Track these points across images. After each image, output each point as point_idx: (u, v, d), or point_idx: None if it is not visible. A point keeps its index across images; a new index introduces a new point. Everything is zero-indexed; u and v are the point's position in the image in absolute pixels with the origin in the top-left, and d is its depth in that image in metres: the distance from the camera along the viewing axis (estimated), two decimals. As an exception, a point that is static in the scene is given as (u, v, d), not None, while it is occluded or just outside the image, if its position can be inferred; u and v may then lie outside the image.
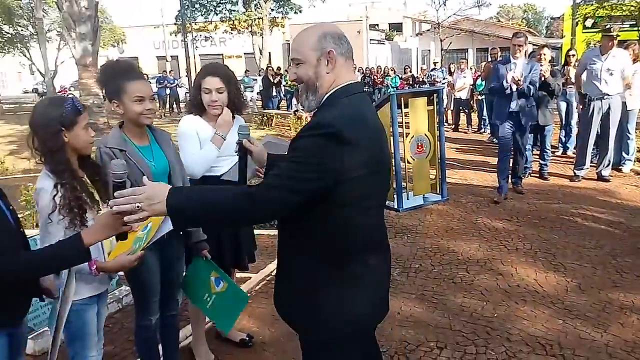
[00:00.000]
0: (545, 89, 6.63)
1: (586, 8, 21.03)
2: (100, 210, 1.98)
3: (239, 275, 4.01)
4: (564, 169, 7.36)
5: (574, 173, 6.75)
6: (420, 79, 15.35)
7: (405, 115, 5.74)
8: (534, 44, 34.67)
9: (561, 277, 3.89)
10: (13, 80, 46.60)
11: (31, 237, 2.03)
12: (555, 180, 6.81)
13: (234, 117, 2.81)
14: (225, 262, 2.83)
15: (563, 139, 8.67)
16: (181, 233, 2.47)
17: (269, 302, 3.65)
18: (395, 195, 5.71)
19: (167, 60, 36.35)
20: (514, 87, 5.55)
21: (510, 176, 6.11)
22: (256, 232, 5.03)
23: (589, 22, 21.74)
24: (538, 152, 7.17)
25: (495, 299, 3.58)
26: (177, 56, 37.57)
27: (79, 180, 1.93)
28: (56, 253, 1.65)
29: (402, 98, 5.79)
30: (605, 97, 6.30)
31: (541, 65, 6.75)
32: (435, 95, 5.89)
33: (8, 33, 29.92)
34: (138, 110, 2.24)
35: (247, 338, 3.14)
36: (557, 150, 8.71)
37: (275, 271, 4.03)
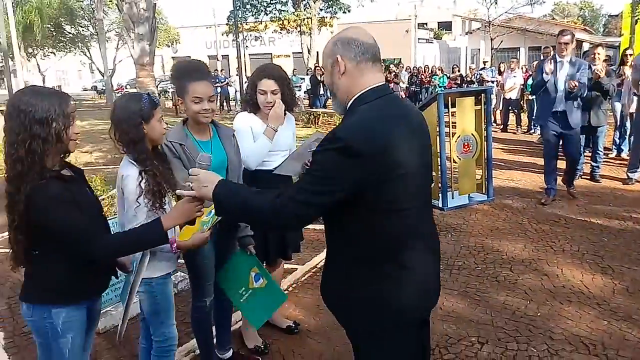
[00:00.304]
0: (599, 89, 6.48)
1: (647, 5, 20.08)
2: (173, 196, 2.18)
3: (286, 266, 4.19)
4: (617, 172, 7.16)
5: (627, 176, 6.57)
6: (469, 79, 15.15)
7: (452, 115, 5.79)
8: (590, 43, 33.46)
9: (608, 279, 3.85)
10: (74, 78, 48.99)
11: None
12: (608, 182, 6.65)
13: (285, 114, 2.97)
14: (271, 252, 3.00)
15: (617, 140, 8.40)
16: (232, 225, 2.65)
17: (314, 293, 3.82)
18: (440, 194, 5.78)
19: (218, 60, 37.21)
20: (564, 87, 5.38)
21: (564, 179, 6.01)
22: (303, 226, 5.22)
23: (649, 20, 20.77)
24: (590, 154, 6.99)
25: (539, 299, 3.59)
26: (227, 55, 38.44)
27: (157, 167, 2.14)
28: (141, 236, 1.87)
29: (450, 97, 5.86)
30: (662, 98, 6.11)
31: (595, 65, 6.62)
32: (483, 95, 5.93)
33: (70, 33, 31.45)
34: (195, 109, 2.42)
35: (293, 325, 3.30)
36: (610, 152, 8.47)
37: (320, 263, 4.21)
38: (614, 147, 8.50)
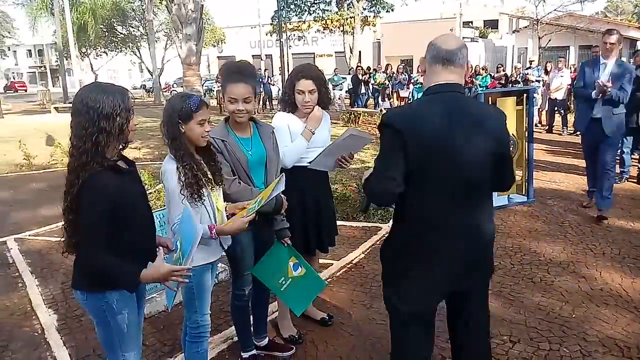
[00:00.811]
0: (648, 91, 6.29)
1: None
2: (214, 188, 2.32)
3: (322, 261, 4.31)
4: (667, 175, 6.92)
5: (677, 180, 6.35)
6: (514, 79, 14.84)
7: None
8: (646, 42, 32.03)
9: (649, 283, 3.78)
10: (124, 77, 50.78)
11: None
12: (656, 186, 6.45)
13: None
14: (310, 244, 3.11)
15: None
16: (270, 218, 2.77)
17: (349, 288, 3.92)
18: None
19: (261, 59, 37.79)
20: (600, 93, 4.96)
21: (597, 196, 5.36)
22: (340, 223, 5.33)
23: None
24: (638, 157, 6.79)
25: (574, 301, 3.57)
26: (271, 55, 38.95)
27: (197, 162, 2.28)
28: (117, 274, 1.94)
29: (490, 97, 5.82)
30: None
31: (642, 66, 6.44)
32: (525, 95, 5.86)
33: (121, 33, 32.65)
34: (230, 109, 2.57)
35: (327, 317, 3.41)
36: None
37: (355, 260, 4.30)
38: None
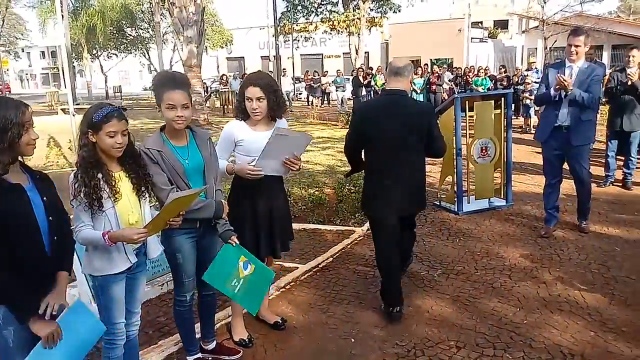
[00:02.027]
0: (633, 93, 6.24)
1: None
2: (117, 200, 2.31)
3: (287, 264, 4.36)
4: (655, 179, 6.85)
5: (662, 184, 6.28)
6: (516, 80, 14.73)
7: (470, 119, 5.76)
8: (658, 41, 31.54)
9: (609, 290, 3.76)
10: (135, 78, 51.30)
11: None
12: (640, 190, 6.39)
13: (274, 121, 3.13)
14: (261, 251, 3.15)
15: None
16: (212, 223, 2.82)
17: (310, 292, 3.96)
18: (455, 199, 5.77)
19: (270, 60, 37.90)
20: (562, 93, 4.54)
21: (578, 212, 5.09)
22: (314, 226, 5.37)
23: None
24: (623, 160, 6.72)
25: (529, 307, 3.57)
26: (280, 56, 39.06)
27: (104, 172, 2.27)
28: None
29: (468, 101, 5.84)
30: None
31: (629, 68, 6.38)
32: (503, 99, 5.86)
33: (130, 35, 33.01)
34: (170, 116, 2.59)
35: (280, 321, 3.45)
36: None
37: (322, 264, 4.34)
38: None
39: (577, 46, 4.58)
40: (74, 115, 10.10)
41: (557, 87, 4.55)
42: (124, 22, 31.40)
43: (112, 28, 30.14)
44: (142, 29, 33.26)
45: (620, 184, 6.58)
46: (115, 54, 34.39)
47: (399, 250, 3.65)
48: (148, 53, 34.35)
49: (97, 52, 33.09)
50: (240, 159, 3.08)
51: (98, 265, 2.34)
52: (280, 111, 3.13)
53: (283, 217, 3.26)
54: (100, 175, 2.25)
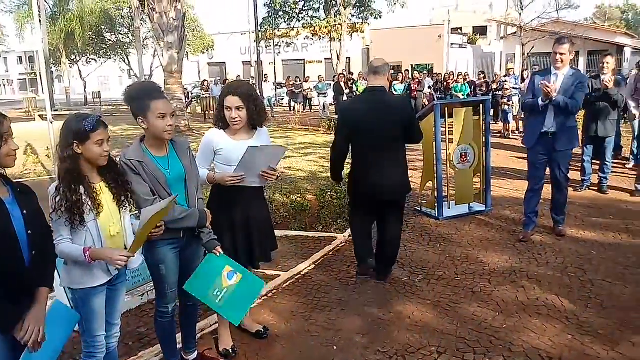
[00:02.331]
0: (607, 100, 6.39)
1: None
2: (99, 213, 2.31)
3: (269, 272, 4.36)
4: (630, 183, 7.00)
5: (636, 188, 6.43)
6: (495, 85, 14.95)
7: (450, 125, 5.84)
8: (633, 48, 32.28)
9: (585, 293, 3.83)
10: (115, 83, 50.74)
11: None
12: (615, 194, 6.52)
13: (255, 130, 3.13)
14: (239, 262, 3.14)
15: (635, 150, 8.18)
16: (196, 233, 2.81)
17: (292, 299, 3.96)
18: (436, 204, 5.83)
19: (251, 66, 37.86)
20: (546, 100, 4.68)
21: (552, 214, 5.18)
22: (296, 233, 5.37)
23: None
24: (599, 165, 6.86)
25: (509, 311, 3.62)
26: (262, 62, 39.03)
27: (86, 185, 2.27)
28: None
29: (447, 108, 5.91)
30: (670, 109, 5.95)
31: (604, 74, 6.52)
32: (481, 105, 5.95)
33: (110, 40, 32.68)
34: (161, 125, 2.56)
35: (262, 330, 3.44)
36: (628, 162, 8.27)
37: (305, 271, 4.34)
38: (632, 157, 8.29)
39: (562, 54, 4.73)
40: (51, 122, 9.94)
41: (544, 98, 4.68)
42: (103, 27, 31.11)
43: (91, 33, 29.82)
44: (121, 34, 32.96)
45: (596, 188, 6.71)
46: (95, 59, 34.02)
47: (383, 249, 4.18)
48: (128, 58, 34.06)
49: (75, 57, 32.69)
50: (220, 168, 3.07)
51: (78, 278, 2.32)
52: (260, 120, 3.12)
53: (263, 227, 3.23)
54: (82, 189, 2.24)
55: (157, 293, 2.84)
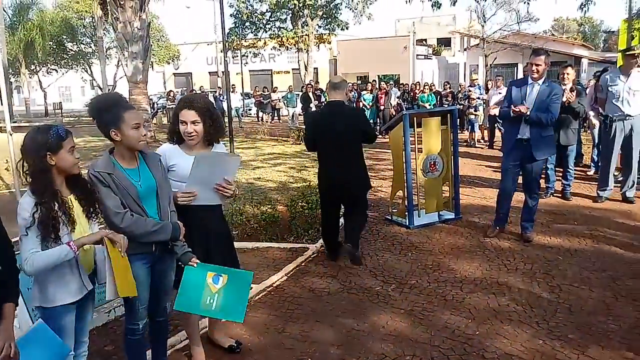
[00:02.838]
0: (569, 111, 6.56)
1: (640, 22, 20.20)
2: (73, 229, 2.26)
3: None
4: (591, 190, 7.20)
5: (597, 194, 6.63)
6: (460, 95, 15.25)
7: (419, 134, 5.89)
8: (589, 59, 33.55)
9: (554, 298, 3.91)
10: (77, 94, 49.53)
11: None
12: (578, 201, 6.71)
13: (212, 145, 3.04)
14: None
15: (596, 158, 8.46)
16: (169, 246, 2.73)
17: (265, 312, 3.90)
18: (407, 213, 5.86)
19: (218, 76, 37.62)
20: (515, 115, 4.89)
21: (521, 220, 5.31)
22: (267, 244, 5.31)
23: (645, 36, 20.81)
24: (562, 172, 7.05)
25: (481, 317, 3.66)
26: (229, 72, 38.83)
27: (60, 200, 2.21)
28: None
29: (416, 117, 5.97)
30: (628, 117, 6.18)
31: (564, 85, 6.72)
32: (449, 115, 6.03)
33: (72, 50, 31.95)
34: (136, 136, 2.51)
35: (235, 344, 3.36)
36: (589, 169, 8.54)
37: (277, 283, 4.28)
38: (592, 164, 8.57)
39: (537, 65, 4.88)
40: (11, 135, 9.61)
41: (515, 114, 4.90)
42: (64, 37, 30.37)
43: (51, 43, 29.07)
44: (83, 44, 32.26)
45: (560, 195, 6.89)
46: (55, 70, 33.15)
47: (352, 225, 4.90)
48: (90, 68, 33.32)
49: (35, 67, 31.78)
50: (174, 185, 2.90)
51: (52, 295, 2.24)
52: (217, 135, 3.03)
53: (223, 249, 3.13)
54: (57, 205, 2.18)
55: (127, 310, 2.74)
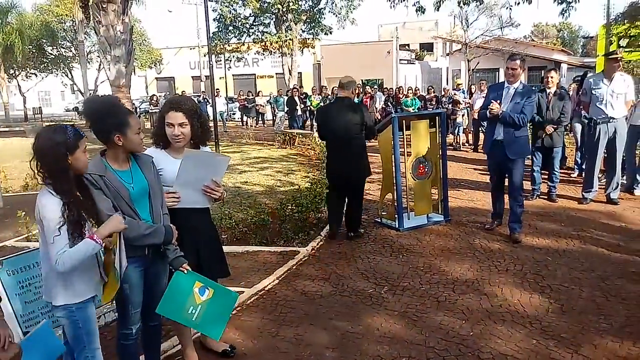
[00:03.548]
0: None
1: (618, 27, 20.66)
2: (96, 223, 2.34)
3: (233, 288, 4.21)
4: (576, 192, 7.30)
5: (583, 196, 6.72)
6: (444, 99, 15.37)
7: (407, 138, 5.91)
8: (569, 64, 34.16)
9: (545, 298, 3.94)
10: (57, 98, 48.82)
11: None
12: (564, 202, 6.79)
13: (198, 148, 3.00)
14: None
15: (579, 160, 8.58)
16: (161, 249, 2.68)
17: (257, 316, 3.86)
18: (396, 215, 5.88)
19: (201, 81, 37.42)
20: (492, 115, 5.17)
21: (509, 221, 5.39)
22: (257, 248, 5.27)
23: (623, 42, 21.25)
24: (548, 174, 7.13)
25: (474, 318, 3.67)
26: (213, 76, 38.64)
27: (79, 197, 2.26)
28: None
29: (405, 120, 5.99)
30: (611, 120, 6.29)
31: (549, 88, 6.83)
32: (437, 118, 6.07)
33: (52, 54, 31.47)
34: (137, 140, 2.55)
35: (229, 349, 3.32)
36: (573, 172, 8.65)
37: (269, 286, 4.24)
38: (575, 167, 8.69)
39: (514, 69, 5.17)
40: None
41: (489, 116, 5.24)
42: (44, 41, 29.86)
43: (31, 47, 28.54)
44: (64, 48, 31.76)
45: (546, 197, 6.97)
46: (35, 74, 32.58)
47: (350, 217, 5.59)
48: (71, 73, 32.85)
49: (15, 71, 31.21)
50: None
51: (80, 289, 2.30)
52: (204, 138, 3.01)
53: (210, 249, 3.09)
54: (78, 201, 2.25)
55: (121, 314, 2.70)
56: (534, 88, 5.92)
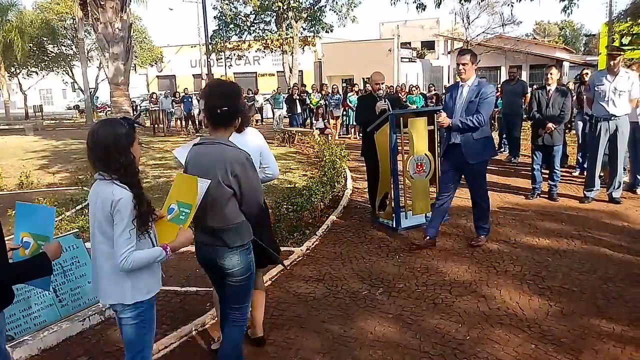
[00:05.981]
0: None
1: (620, 25, 20.48)
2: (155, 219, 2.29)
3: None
4: (577, 190, 7.18)
5: (584, 194, 6.59)
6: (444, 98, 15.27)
7: (405, 135, 5.79)
8: (571, 62, 33.98)
9: (545, 301, 3.82)
10: (58, 96, 48.81)
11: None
12: (565, 201, 6.66)
13: (242, 131, 3.05)
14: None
15: (580, 159, 8.45)
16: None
17: (248, 318, 3.73)
18: (393, 215, 5.76)
19: (202, 79, 37.29)
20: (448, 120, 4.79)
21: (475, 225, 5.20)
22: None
23: (626, 39, 21.08)
24: (548, 173, 7.00)
25: (471, 322, 3.55)
26: (213, 74, 38.52)
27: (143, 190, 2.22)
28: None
29: (402, 118, 5.86)
30: (613, 118, 6.16)
31: (549, 85, 6.69)
32: (435, 115, 5.93)
33: (52, 52, 31.42)
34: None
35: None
36: (574, 170, 8.52)
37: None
38: (577, 165, 8.55)
39: (464, 64, 4.76)
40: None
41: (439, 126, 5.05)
42: (44, 39, 29.81)
43: (31, 45, 28.49)
44: (64, 46, 31.71)
45: (547, 196, 6.84)
46: (36, 72, 32.54)
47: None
48: (71, 70, 32.79)
49: (15, 69, 31.16)
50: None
51: (151, 286, 2.27)
52: (245, 123, 3.09)
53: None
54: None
55: (245, 300, 2.76)
56: (491, 84, 5.25)
